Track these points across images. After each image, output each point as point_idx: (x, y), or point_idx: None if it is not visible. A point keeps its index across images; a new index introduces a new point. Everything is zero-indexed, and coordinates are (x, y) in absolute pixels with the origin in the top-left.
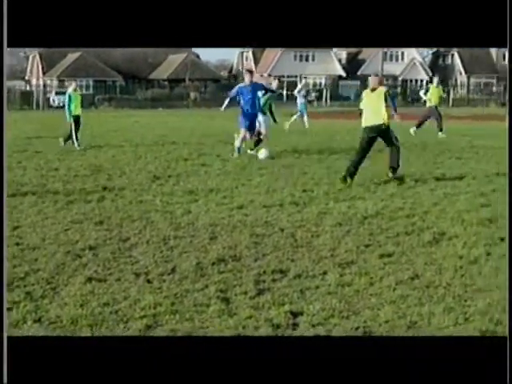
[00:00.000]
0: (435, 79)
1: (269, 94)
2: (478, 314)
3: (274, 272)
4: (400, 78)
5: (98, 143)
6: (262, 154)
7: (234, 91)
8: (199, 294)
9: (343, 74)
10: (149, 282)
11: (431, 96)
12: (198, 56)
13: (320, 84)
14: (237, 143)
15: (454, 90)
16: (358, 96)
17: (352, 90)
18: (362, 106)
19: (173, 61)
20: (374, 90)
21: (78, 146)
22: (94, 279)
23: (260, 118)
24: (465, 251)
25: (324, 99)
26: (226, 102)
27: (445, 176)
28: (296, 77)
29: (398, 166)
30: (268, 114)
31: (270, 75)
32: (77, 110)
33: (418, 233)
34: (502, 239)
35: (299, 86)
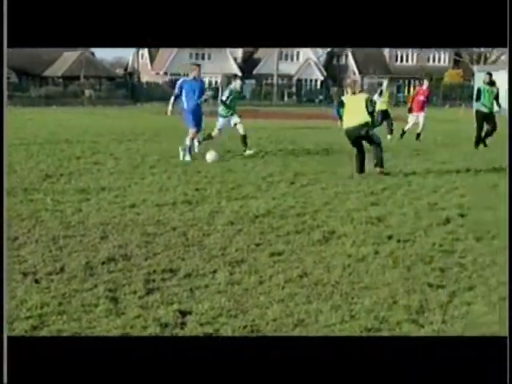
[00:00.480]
0: (385, 82)
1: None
2: (363, 312)
3: (164, 271)
4: (295, 78)
5: None
6: (211, 155)
7: (178, 87)
8: (88, 293)
9: (239, 72)
10: (36, 281)
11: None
12: (92, 53)
13: (216, 83)
14: (187, 143)
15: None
16: (254, 95)
17: (247, 88)
18: (345, 109)
19: (67, 58)
20: (354, 93)
21: None
22: None
23: (236, 119)
24: (353, 249)
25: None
26: (172, 101)
27: (336, 175)
28: None
29: (382, 161)
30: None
31: (165, 73)
32: None
33: (308, 231)
34: (390, 237)
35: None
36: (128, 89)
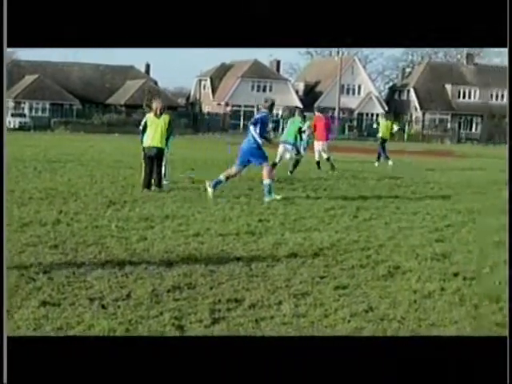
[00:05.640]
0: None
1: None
2: None
3: (229, 301)
4: (356, 112)
5: (53, 166)
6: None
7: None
8: (154, 320)
9: (300, 105)
10: (103, 307)
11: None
12: (155, 82)
13: (277, 115)
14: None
15: (408, 125)
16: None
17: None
18: None
19: (130, 86)
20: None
21: None
22: (48, 303)
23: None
24: (419, 285)
25: (281, 130)
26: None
27: (400, 210)
28: (253, 107)
29: None
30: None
31: (227, 104)
32: None
33: (372, 266)
34: (456, 274)
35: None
36: (190, 119)
